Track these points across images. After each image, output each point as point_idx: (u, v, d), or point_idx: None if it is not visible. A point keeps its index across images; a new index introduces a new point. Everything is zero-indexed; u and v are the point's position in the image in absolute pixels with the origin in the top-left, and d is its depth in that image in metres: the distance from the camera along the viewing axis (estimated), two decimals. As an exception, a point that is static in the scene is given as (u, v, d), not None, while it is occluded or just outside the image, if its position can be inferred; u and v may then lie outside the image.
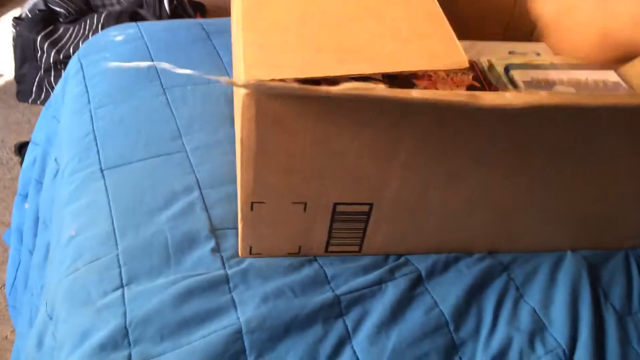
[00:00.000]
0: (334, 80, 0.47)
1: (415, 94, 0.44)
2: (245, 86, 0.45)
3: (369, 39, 0.50)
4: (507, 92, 0.42)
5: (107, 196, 0.66)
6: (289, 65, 0.46)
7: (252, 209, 0.56)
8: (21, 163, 1.37)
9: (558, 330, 0.56)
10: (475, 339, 0.56)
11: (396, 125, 0.50)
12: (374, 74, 0.53)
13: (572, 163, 0.55)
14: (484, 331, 0.56)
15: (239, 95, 0.47)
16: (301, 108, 0.47)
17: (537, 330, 0.56)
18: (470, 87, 0.66)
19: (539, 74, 0.65)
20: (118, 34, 0.95)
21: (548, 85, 0.64)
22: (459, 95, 0.44)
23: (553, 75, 0.65)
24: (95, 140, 0.74)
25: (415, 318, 0.56)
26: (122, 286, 0.56)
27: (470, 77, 0.66)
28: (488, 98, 0.44)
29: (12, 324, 1.06)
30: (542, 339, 0.56)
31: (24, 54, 1.62)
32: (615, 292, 0.61)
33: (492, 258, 0.63)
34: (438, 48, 0.49)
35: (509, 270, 0.62)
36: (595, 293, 0.60)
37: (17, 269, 0.94)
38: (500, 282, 0.61)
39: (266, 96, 0.46)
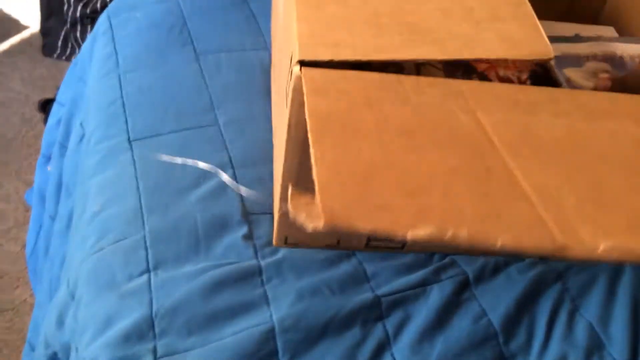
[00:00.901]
0: (398, 64, 0.41)
1: (499, 242, 0.34)
2: (300, 64, 0.39)
3: (437, 18, 0.44)
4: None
5: (135, 170, 0.62)
6: (349, 44, 0.41)
7: (292, 198, 0.52)
8: (45, 121, 1.34)
9: (618, 348, 0.52)
10: (526, 353, 0.51)
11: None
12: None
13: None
14: (536, 345, 0.51)
15: (290, 77, 0.42)
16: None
17: (595, 347, 0.52)
18: (532, 73, 0.60)
19: (570, 48, 0.59)
20: (150, -9, 0.89)
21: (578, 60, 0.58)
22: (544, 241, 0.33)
23: (585, 48, 0.59)
24: (124, 107, 0.70)
25: (462, 326, 0.52)
26: (148, 271, 0.53)
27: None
28: (577, 249, 0.33)
29: (31, 287, 1.04)
30: (600, 358, 0.51)
31: (50, 6, 1.57)
32: (680, 311, 0.56)
33: (545, 264, 0.58)
34: (517, 32, 0.43)
35: (564, 278, 0.57)
36: (658, 311, 0.55)
37: (38, 234, 0.92)
38: (554, 291, 0.56)
39: (319, 80, 0.41)
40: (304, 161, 0.48)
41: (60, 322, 0.57)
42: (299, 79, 0.40)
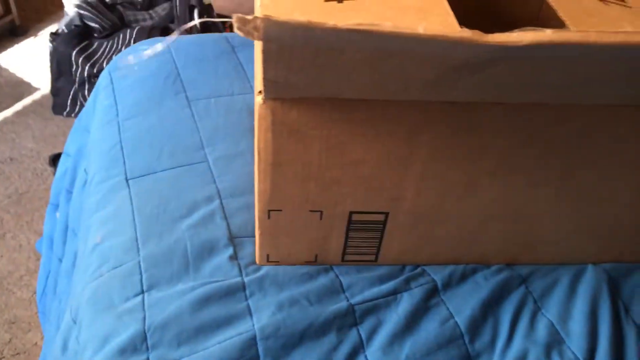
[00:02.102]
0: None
1: (420, 29, 0.41)
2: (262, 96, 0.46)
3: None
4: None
5: (132, 205, 0.68)
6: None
7: (269, 217, 0.57)
8: (54, 174, 1.42)
9: (576, 343, 0.55)
10: (491, 351, 0.55)
11: (412, 134, 0.50)
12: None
13: (594, 169, 0.54)
14: (500, 344, 0.56)
15: (256, 106, 0.48)
16: (316, 117, 0.48)
17: (555, 343, 0.56)
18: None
19: None
20: (147, 47, 0.98)
21: None
22: (464, 32, 0.39)
23: None
24: (122, 150, 0.77)
25: (429, 329, 0.56)
26: (142, 292, 0.58)
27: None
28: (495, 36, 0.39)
29: (41, 330, 1.09)
30: (559, 352, 0.55)
31: (59, 68, 1.69)
32: (637, 306, 0.60)
33: (511, 270, 0.63)
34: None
35: (527, 282, 0.61)
36: (615, 306, 0.59)
37: (47, 277, 0.97)
38: (517, 294, 0.60)
39: (282, 105, 0.47)
40: (275, 182, 0.54)
41: (64, 347, 0.62)
42: (263, 105, 0.47)
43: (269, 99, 0.47)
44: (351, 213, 0.58)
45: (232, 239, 0.64)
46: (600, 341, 0.55)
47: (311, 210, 0.57)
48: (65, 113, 1.69)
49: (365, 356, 0.54)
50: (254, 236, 0.64)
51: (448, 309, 0.58)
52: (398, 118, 0.49)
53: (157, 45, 1.01)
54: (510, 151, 0.52)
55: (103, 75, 0.96)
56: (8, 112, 1.68)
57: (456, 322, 0.57)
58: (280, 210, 0.57)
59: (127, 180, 0.72)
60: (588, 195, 0.57)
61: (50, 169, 1.48)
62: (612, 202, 0.57)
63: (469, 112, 0.48)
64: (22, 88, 1.78)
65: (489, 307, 0.58)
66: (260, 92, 0.47)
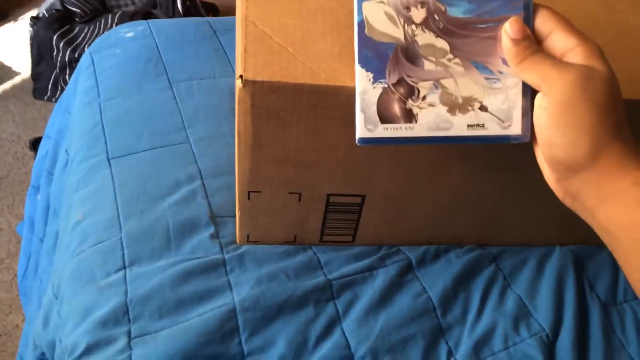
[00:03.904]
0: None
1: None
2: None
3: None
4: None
5: (113, 183, 0.69)
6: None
7: (249, 198, 0.59)
8: (35, 158, 1.42)
9: (542, 315, 0.58)
10: (462, 323, 0.57)
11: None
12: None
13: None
14: (470, 316, 0.58)
15: (237, 90, 0.49)
16: (294, 101, 0.50)
17: (522, 315, 0.58)
18: None
19: None
20: (128, 30, 0.98)
21: None
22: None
23: None
24: (104, 131, 0.77)
25: (403, 302, 0.58)
26: (124, 267, 0.59)
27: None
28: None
29: (23, 312, 1.10)
30: (526, 324, 0.57)
31: (40, 52, 1.67)
32: (601, 284, 0.63)
33: (482, 249, 0.65)
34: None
35: (498, 261, 0.64)
36: (580, 283, 0.62)
37: (29, 259, 0.98)
38: (488, 271, 0.62)
39: (261, 90, 0.49)
40: (255, 164, 0.55)
41: (46, 322, 0.63)
42: (242, 89, 0.48)
43: (248, 82, 0.48)
44: (329, 195, 0.59)
45: (213, 218, 0.65)
46: (566, 314, 0.58)
47: (290, 192, 0.59)
48: (45, 97, 1.68)
49: (342, 328, 0.56)
50: (234, 216, 0.66)
51: (421, 284, 0.60)
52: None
53: (138, 28, 1.01)
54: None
55: (84, 57, 0.96)
56: (-13, 96, 1.66)
57: (429, 296, 0.59)
58: (260, 192, 0.58)
59: (108, 159, 0.73)
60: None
61: (30, 153, 1.47)
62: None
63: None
64: (2, 72, 1.76)
65: (461, 283, 0.61)
66: (240, 76, 0.48)
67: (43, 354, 0.65)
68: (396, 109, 0.39)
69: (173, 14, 1.73)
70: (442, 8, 0.38)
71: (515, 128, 0.38)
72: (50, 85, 1.68)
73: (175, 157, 0.73)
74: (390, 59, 0.39)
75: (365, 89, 0.39)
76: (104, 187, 0.69)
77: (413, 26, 0.38)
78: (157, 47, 0.93)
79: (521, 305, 0.59)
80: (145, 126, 0.77)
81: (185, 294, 0.56)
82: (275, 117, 0.51)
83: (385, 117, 0.39)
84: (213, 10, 1.91)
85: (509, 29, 0.36)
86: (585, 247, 0.66)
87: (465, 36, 0.38)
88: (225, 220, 0.65)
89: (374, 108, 0.39)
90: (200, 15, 1.77)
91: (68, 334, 0.55)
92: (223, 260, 0.60)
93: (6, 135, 1.54)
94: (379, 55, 0.39)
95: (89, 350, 0.53)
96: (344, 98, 0.49)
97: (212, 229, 0.64)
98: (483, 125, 0.38)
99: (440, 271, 0.62)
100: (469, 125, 0.38)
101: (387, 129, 0.39)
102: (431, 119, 0.38)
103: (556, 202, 0.62)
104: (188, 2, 1.73)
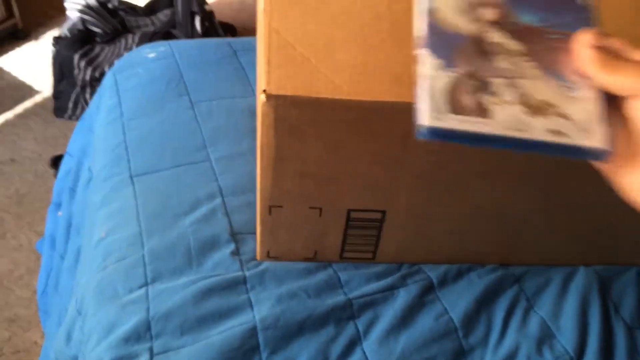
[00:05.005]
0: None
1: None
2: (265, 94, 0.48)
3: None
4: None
5: (136, 201, 0.70)
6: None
7: (270, 213, 0.59)
8: (55, 175, 1.44)
9: (566, 338, 0.57)
10: (484, 345, 0.57)
11: (406, 135, 0.52)
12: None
13: (578, 171, 0.56)
14: (493, 338, 0.57)
15: (259, 103, 0.50)
16: (315, 115, 0.50)
17: (546, 338, 0.57)
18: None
19: None
20: (150, 51, 1.01)
21: None
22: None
23: None
24: (127, 149, 0.78)
25: (424, 323, 0.58)
26: (146, 284, 0.60)
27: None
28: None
29: (41, 329, 1.10)
30: (550, 346, 0.57)
31: (62, 71, 1.71)
32: (626, 306, 0.62)
33: (504, 269, 0.64)
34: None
35: (521, 281, 0.63)
36: (605, 305, 0.61)
37: (49, 275, 0.99)
38: (511, 292, 0.62)
39: (283, 104, 0.49)
40: (276, 178, 0.56)
41: (68, 338, 0.63)
42: (265, 104, 0.49)
43: (271, 97, 0.49)
44: (349, 211, 0.60)
45: (234, 235, 0.66)
46: (590, 336, 0.57)
47: (311, 207, 0.59)
48: (66, 116, 1.71)
49: (362, 349, 0.56)
50: (255, 233, 0.66)
51: (443, 304, 0.60)
52: (392, 120, 0.51)
53: (160, 49, 1.03)
54: (497, 153, 0.54)
55: (108, 76, 0.98)
56: (9, 115, 1.70)
57: (450, 317, 0.58)
58: (281, 206, 0.59)
59: (131, 177, 0.74)
60: (573, 197, 0.59)
61: (51, 170, 1.49)
62: (598, 204, 0.59)
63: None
64: (23, 91, 1.80)
65: (483, 304, 0.60)
66: (264, 90, 0.49)
67: (64, 369, 0.65)
68: (468, 100, 0.35)
69: (192, 34, 1.76)
70: (515, 13, 0.37)
71: (597, 140, 0.34)
72: (71, 104, 1.71)
73: (196, 175, 0.74)
74: (461, 49, 0.37)
75: (434, 75, 0.35)
76: (127, 204, 0.70)
77: (486, 23, 0.37)
78: (179, 68, 0.95)
79: (545, 327, 0.58)
80: (167, 145, 0.78)
81: (207, 311, 0.57)
82: (297, 130, 0.52)
83: (455, 107, 0.34)
84: (231, 31, 1.94)
85: (585, 37, 0.35)
86: (610, 268, 0.65)
87: (539, 43, 0.36)
88: (245, 238, 0.66)
89: (443, 96, 0.35)
90: (219, 35, 1.80)
91: (91, 350, 0.56)
92: (244, 277, 0.61)
93: (27, 153, 1.57)
94: (449, 44, 0.37)
95: (112, 366, 0.53)
96: (366, 112, 0.50)
97: (232, 246, 0.64)
98: (564, 133, 0.34)
99: (462, 291, 0.61)
100: (549, 131, 0.34)
101: (457, 120, 0.34)
102: (508, 117, 0.34)
103: (580, 219, 0.61)
104: (207, 23, 1.76)
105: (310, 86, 0.49)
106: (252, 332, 0.55)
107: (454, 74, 0.35)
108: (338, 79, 0.49)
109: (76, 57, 1.68)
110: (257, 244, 0.62)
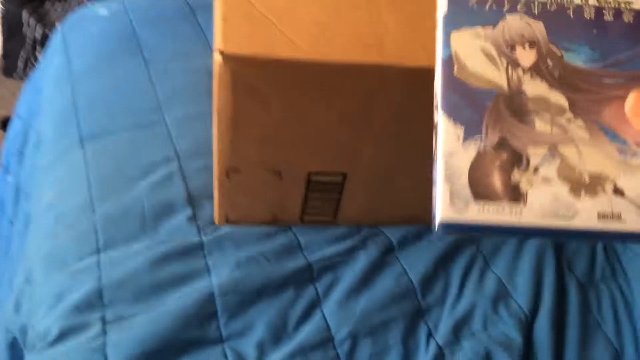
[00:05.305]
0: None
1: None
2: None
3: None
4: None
5: (86, 165, 0.67)
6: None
7: (227, 177, 0.57)
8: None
9: (521, 296, 0.58)
10: (441, 304, 0.57)
11: (370, 95, 0.51)
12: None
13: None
14: (450, 298, 0.58)
15: (215, 64, 0.48)
16: (274, 77, 0.48)
17: (501, 296, 0.58)
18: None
19: None
20: (102, 7, 0.95)
21: None
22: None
23: None
24: (76, 110, 0.74)
25: (384, 285, 0.58)
26: (98, 251, 0.58)
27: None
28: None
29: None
30: (505, 305, 0.58)
31: (10, 29, 1.61)
32: (579, 264, 0.63)
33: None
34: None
35: (478, 242, 0.64)
36: (559, 264, 0.62)
37: (-1, 241, 0.95)
38: (469, 252, 0.62)
39: (241, 65, 0.47)
40: (234, 141, 0.54)
41: (17, 307, 0.61)
42: (221, 64, 0.46)
43: (228, 57, 0.47)
44: (309, 174, 0.58)
45: (191, 200, 0.64)
46: (544, 294, 0.59)
47: (269, 171, 0.57)
48: (16, 76, 1.62)
49: (322, 311, 0.55)
50: (213, 197, 0.64)
51: (402, 265, 0.60)
52: (356, 80, 0.49)
53: (112, 5, 0.97)
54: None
55: (56, 34, 0.93)
56: (-46, 74, 1.60)
57: (409, 278, 0.59)
58: (239, 170, 0.57)
59: (81, 140, 0.70)
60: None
61: (0, 132, 1.42)
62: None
63: (423, 76, 0.49)
64: (-32, 49, 1.69)
65: (441, 264, 0.61)
66: (220, 50, 0.46)
67: (15, 338, 0.63)
68: (497, 181, 0.28)
69: (148, -9, 1.68)
70: (558, 52, 0.29)
71: None
72: (21, 63, 1.62)
73: (151, 138, 0.71)
74: (488, 110, 0.29)
75: (452, 150, 0.27)
76: (76, 169, 0.67)
77: (520, 71, 0.29)
78: (132, 25, 0.90)
79: (500, 285, 0.59)
80: (120, 106, 0.75)
81: (162, 278, 0.55)
82: (255, 93, 0.50)
83: (480, 191, 0.27)
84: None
85: None
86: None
87: (589, 91, 0.29)
88: (203, 202, 0.64)
89: (465, 178, 0.27)
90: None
91: (40, 319, 0.54)
92: (201, 243, 0.59)
93: (-25, 115, 1.49)
94: (473, 104, 0.28)
95: (62, 336, 0.51)
96: (328, 74, 0.48)
97: (189, 211, 0.62)
98: (619, 216, 0.28)
99: (421, 252, 0.61)
100: (601, 215, 0.28)
101: (483, 210, 0.27)
102: (547, 201, 0.27)
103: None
104: (164, -21, 1.68)
105: (269, 46, 0.47)
106: (210, 298, 0.54)
107: (479, 145, 0.28)
108: (299, 39, 0.47)
109: (25, 13, 1.58)
110: (215, 209, 0.61)
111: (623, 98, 0.28)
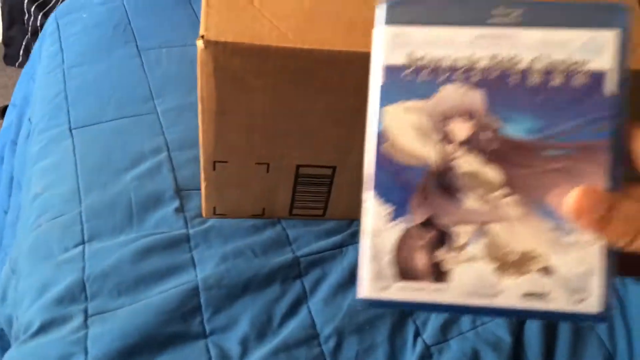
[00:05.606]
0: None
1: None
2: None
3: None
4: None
5: (74, 155, 0.66)
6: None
7: (214, 168, 0.56)
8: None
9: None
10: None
11: (361, 86, 0.49)
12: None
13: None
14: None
15: (198, 51, 0.46)
16: (259, 65, 0.47)
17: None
18: None
19: None
20: (97, -6, 0.94)
21: None
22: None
23: None
24: (66, 99, 0.74)
25: (372, 281, 0.56)
26: (83, 242, 0.57)
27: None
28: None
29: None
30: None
31: (11, 17, 1.61)
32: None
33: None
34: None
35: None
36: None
37: (-7, 230, 0.94)
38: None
39: (223, 52, 0.46)
40: (219, 132, 0.53)
41: (3, 298, 0.60)
42: (204, 51, 0.45)
43: (210, 43, 0.46)
44: (298, 166, 0.57)
45: (179, 192, 0.63)
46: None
47: (257, 163, 0.56)
48: (17, 64, 1.62)
49: (308, 307, 0.54)
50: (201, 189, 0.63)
51: (392, 262, 0.59)
52: (344, 70, 0.48)
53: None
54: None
55: (49, 21, 0.92)
56: (-45, 62, 1.60)
57: (399, 275, 0.57)
58: (226, 162, 0.56)
59: (70, 129, 0.69)
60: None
61: (0, 121, 1.42)
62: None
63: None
64: (-30, 37, 1.69)
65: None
66: (202, 36, 0.45)
67: (2, 329, 0.62)
68: (421, 260, 0.28)
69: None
70: (497, 124, 0.27)
71: (591, 304, 0.27)
72: (21, 51, 1.62)
73: (141, 128, 0.70)
74: (417, 188, 0.28)
75: (379, 229, 0.27)
76: (64, 158, 0.66)
77: (453, 145, 0.28)
78: (126, 12, 0.89)
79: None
80: (111, 95, 0.74)
81: (146, 270, 0.54)
82: (240, 81, 0.48)
83: (405, 270, 0.27)
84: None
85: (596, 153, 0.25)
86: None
87: (527, 165, 0.27)
88: (191, 194, 0.63)
89: (390, 257, 0.27)
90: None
91: (24, 311, 0.53)
92: (187, 235, 0.58)
93: (-25, 102, 1.49)
94: (403, 183, 0.28)
95: (43, 328, 0.50)
96: (314, 62, 0.47)
97: (177, 203, 0.61)
98: (546, 296, 0.27)
99: (412, 249, 0.60)
100: (525, 294, 0.27)
101: (405, 288, 0.27)
102: (471, 280, 0.27)
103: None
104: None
105: (253, 32, 0.45)
106: (194, 292, 0.53)
107: (406, 225, 0.28)
108: (284, 26, 0.46)
109: (26, 1, 1.58)
110: (202, 201, 0.60)
111: (564, 172, 0.27)
